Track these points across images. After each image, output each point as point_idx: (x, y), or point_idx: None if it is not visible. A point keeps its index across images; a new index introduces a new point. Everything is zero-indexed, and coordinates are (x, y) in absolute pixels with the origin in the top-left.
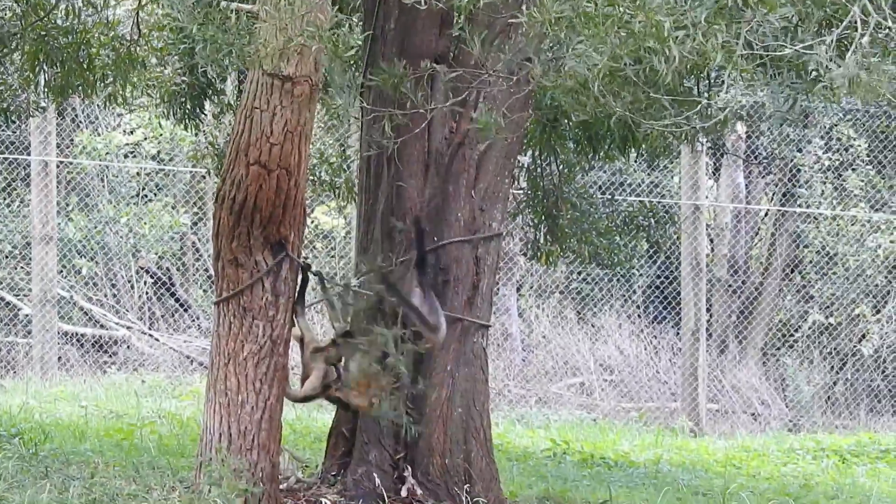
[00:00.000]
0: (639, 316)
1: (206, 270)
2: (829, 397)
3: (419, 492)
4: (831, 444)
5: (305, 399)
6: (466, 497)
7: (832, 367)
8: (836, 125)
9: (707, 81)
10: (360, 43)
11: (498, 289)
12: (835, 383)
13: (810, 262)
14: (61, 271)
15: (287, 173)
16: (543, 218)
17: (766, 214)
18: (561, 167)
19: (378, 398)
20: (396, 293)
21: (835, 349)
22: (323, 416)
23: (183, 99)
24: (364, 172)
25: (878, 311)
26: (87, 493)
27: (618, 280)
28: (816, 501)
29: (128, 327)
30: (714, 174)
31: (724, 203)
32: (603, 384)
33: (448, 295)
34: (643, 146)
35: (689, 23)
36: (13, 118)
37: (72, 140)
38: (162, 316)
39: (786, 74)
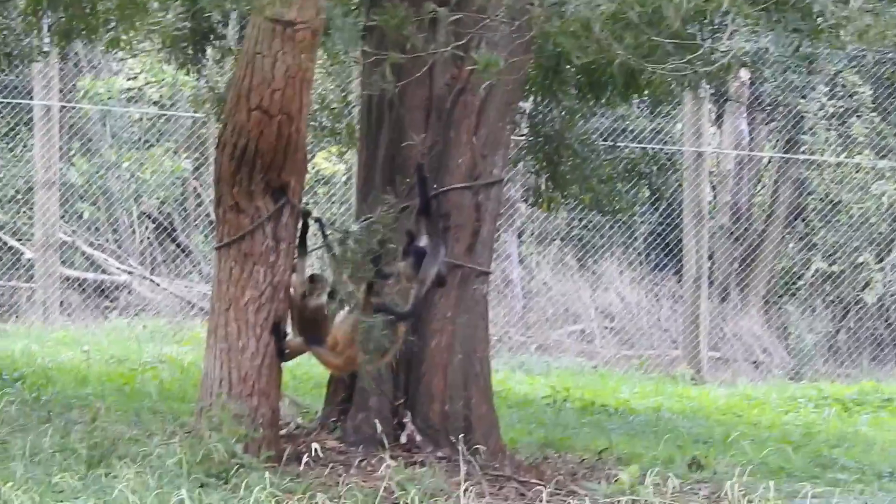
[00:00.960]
0: (640, 263)
1: (208, 216)
2: (831, 346)
3: (419, 438)
4: (833, 393)
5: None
6: (466, 444)
7: (835, 315)
8: (840, 72)
9: (710, 27)
10: None
11: (499, 235)
12: (837, 331)
13: (813, 209)
14: (63, 216)
15: (288, 119)
16: (545, 164)
17: (769, 161)
18: (563, 113)
19: (353, 360)
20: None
21: (838, 297)
22: None
23: (185, 44)
24: (365, 119)
25: (881, 260)
26: (89, 438)
27: (619, 227)
28: (818, 450)
29: (129, 272)
30: (717, 121)
31: (726, 150)
32: (603, 331)
33: (448, 241)
34: (646, 92)
35: None
36: (16, 62)
37: (74, 85)
38: (163, 261)
39: (790, 18)
